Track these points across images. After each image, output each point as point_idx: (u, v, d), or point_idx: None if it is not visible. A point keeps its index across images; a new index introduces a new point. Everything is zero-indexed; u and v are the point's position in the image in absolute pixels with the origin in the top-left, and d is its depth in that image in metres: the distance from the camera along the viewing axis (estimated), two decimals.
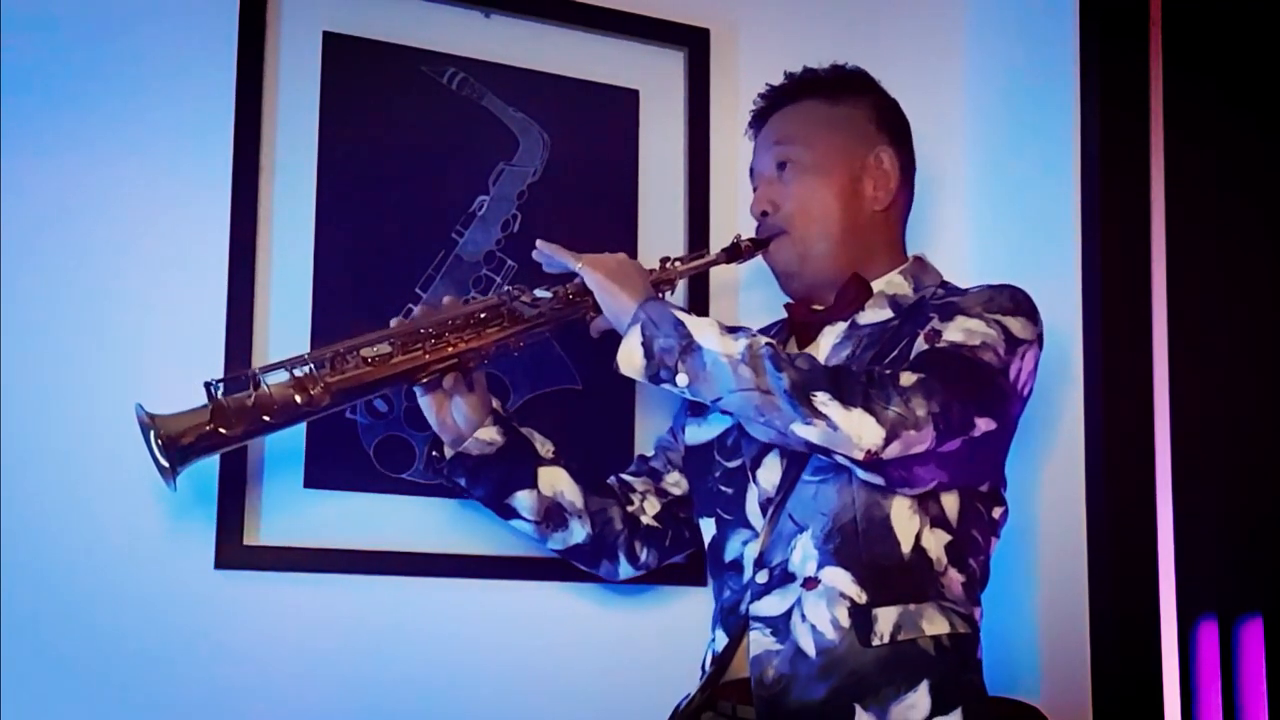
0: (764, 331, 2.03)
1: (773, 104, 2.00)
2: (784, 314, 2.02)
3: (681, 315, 1.73)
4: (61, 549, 1.89)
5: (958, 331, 1.75)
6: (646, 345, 1.71)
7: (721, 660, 1.85)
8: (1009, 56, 2.43)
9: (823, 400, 1.65)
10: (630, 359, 1.72)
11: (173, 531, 1.92)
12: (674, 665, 2.03)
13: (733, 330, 1.73)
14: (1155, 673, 2.07)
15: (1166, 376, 2.13)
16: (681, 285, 2.16)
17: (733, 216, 2.27)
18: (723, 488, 1.89)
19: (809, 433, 1.66)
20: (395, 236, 2.10)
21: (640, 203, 2.26)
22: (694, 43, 2.31)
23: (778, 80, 2.02)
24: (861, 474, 1.73)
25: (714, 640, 1.89)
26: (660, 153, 2.28)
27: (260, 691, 1.96)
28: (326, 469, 2.02)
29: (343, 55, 2.11)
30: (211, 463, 1.95)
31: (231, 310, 1.99)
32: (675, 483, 2.04)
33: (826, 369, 1.70)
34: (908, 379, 1.67)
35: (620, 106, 2.27)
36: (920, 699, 1.70)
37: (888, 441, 1.65)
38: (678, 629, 2.16)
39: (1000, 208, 2.41)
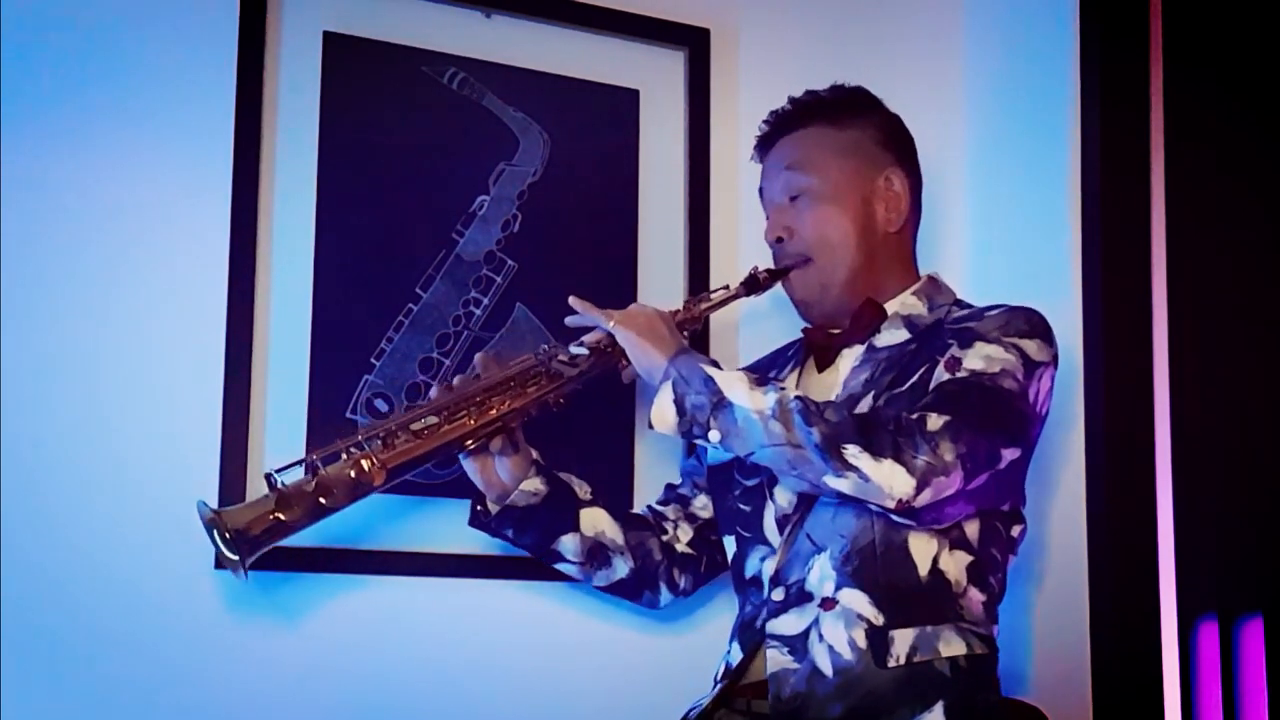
0: (781, 353, 2.06)
1: (777, 129, 2.00)
2: (799, 336, 2.02)
3: (711, 371, 1.75)
4: (62, 549, 1.89)
5: (977, 359, 1.77)
6: (679, 403, 1.73)
7: (734, 674, 1.86)
8: (1008, 57, 2.42)
9: (853, 453, 1.67)
10: (663, 417, 1.74)
11: (173, 531, 1.92)
12: (680, 667, 2.03)
13: (761, 384, 1.74)
14: (1155, 673, 2.06)
15: (1166, 378, 2.13)
16: None
17: (733, 218, 2.27)
18: (741, 505, 1.91)
19: (841, 485, 1.69)
20: (395, 236, 2.11)
21: (640, 203, 2.26)
22: (694, 43, 2.31)
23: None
24: (895, 518, 1.74)
25: (729, 653, 1.90)
26: (660, 153, 2.28)
27: (260, 691, 1.96)
28: None
29: (343, 55, 2.11)
30: (211, 464, 1.95)
31: (232, 310, 1.99)
32: (704, 506, 2.05)
33: (855, 419, 1.71)
34: (934, 423, 1.69)
35: (620, 106, 2.27)
36: None
37: (919, 490, 1.67)
38: (683, 630, 2.16)
39: (1000, 210, 2.41)
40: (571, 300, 1.88)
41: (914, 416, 1.70)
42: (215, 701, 1.94)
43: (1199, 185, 2.17)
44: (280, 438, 2.00)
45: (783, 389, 1.74)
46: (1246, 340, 2.16)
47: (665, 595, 2.02)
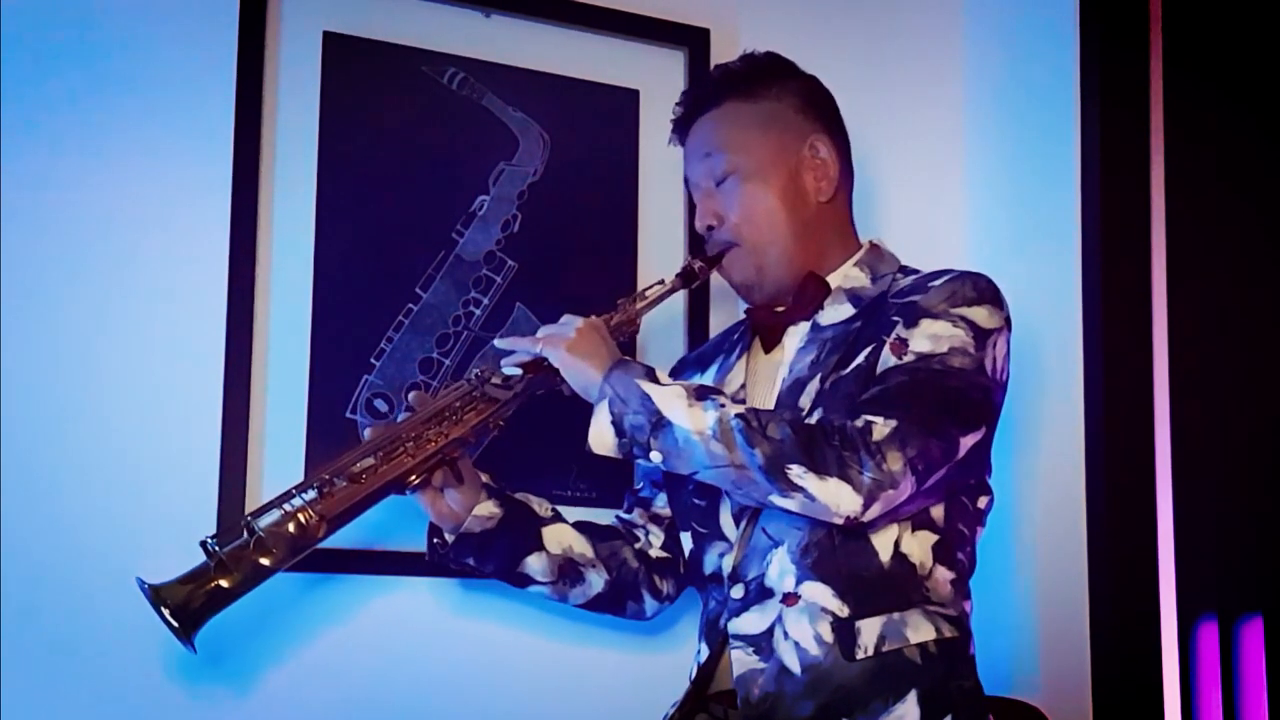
0: (727, 335, 2.02)
1: (692, 111, 1.95)
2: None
3: (648, 387, 1.69)
4: (62, 549, 1.89)
5: (924, 339, 1.72)
6: (617, 423, 1.68)
7: (704, 673, 1.84)
8: (1009, 57, 2.43)
9: (798, 473, 1.63)
10: (602, 439, 1.69)
11: (172, 532, 1.92)
12: (670, 667, 2.03)
13: (701, 397, 1.69)
14: (1155, 673, 2.07)
15: (1166, 376, 2.13)
16: (682, 295, 2.13)
17: None
18: (696, 500, 1.87)
19: (787, 504, 1.66)
20: (395, 236, 2.11)
21: (640, 203, 2.26)
22: (694, 43, 2.31)
23: None
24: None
25: (699, 652, 1.87)
26: (660, 153, 2.27)
27: (260, 691, 1.97)
28: None
29: (343, 55, 2.11)
30: (211, 464, 1.95)
31: (232, 310, 1.99)
32: (665, 504, 2.01)
33: (799, 434, 1.65)
34: (880, 432, 1.64)
35: (620, 106, 2.27)
36: (909, 709, 1.68)
37: (866, 506, 1.63)
38: (675, 630, 2.16)
39: (1000, 208, 2.41)
40: (497, 341, 1.84)
41: (859, 424, 1.65)
42: (214, 700, 1.94)
43: (1199, 185, 2.18)
44: (280, 438, 2.00)
45: (723, 406, 1.68)
46: (1246, 340, 2.16)
47: (651, 604, 1.99)
